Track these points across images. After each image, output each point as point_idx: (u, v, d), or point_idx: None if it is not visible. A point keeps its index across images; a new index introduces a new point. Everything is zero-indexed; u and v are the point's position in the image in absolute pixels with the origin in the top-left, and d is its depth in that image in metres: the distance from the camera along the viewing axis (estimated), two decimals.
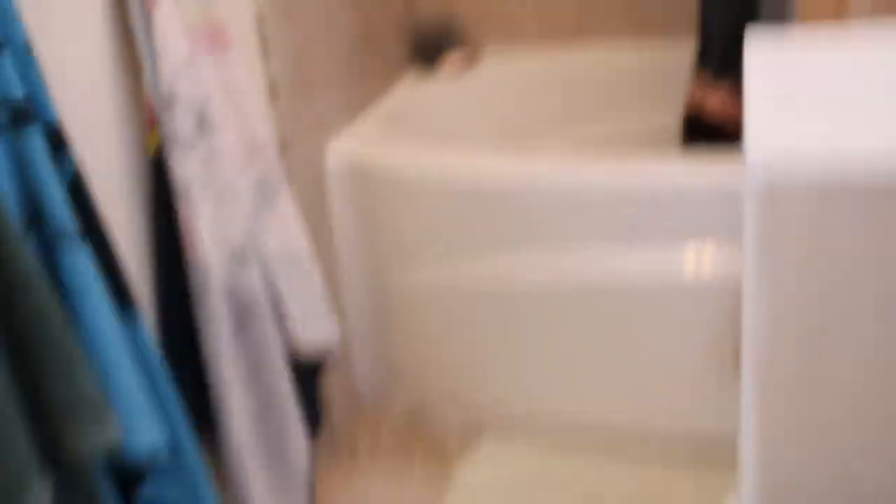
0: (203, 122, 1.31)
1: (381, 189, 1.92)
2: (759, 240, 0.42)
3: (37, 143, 1.01)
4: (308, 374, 1.57)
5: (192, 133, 1.30)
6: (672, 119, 2.08)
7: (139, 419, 1.09)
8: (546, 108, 2.45)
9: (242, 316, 1.38)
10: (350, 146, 1.96)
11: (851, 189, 0.39)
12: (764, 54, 0.50)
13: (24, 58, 1.02)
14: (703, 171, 1.69)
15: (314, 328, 1.52)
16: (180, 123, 1.28)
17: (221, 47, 1.38)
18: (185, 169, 1.29)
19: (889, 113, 0.44)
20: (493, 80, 2.46)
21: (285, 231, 1.48)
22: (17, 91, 0.99)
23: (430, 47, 2.47)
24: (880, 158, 0.37)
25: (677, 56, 2.15)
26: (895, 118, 0.43)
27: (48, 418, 0.97)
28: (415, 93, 2.34)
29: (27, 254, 0.94)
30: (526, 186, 1.78)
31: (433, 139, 2.05)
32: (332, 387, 1.79)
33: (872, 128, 0.42)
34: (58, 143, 1.06)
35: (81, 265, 1.04)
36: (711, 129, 1.93)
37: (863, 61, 0.49)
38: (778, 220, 0.41)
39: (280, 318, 1.46)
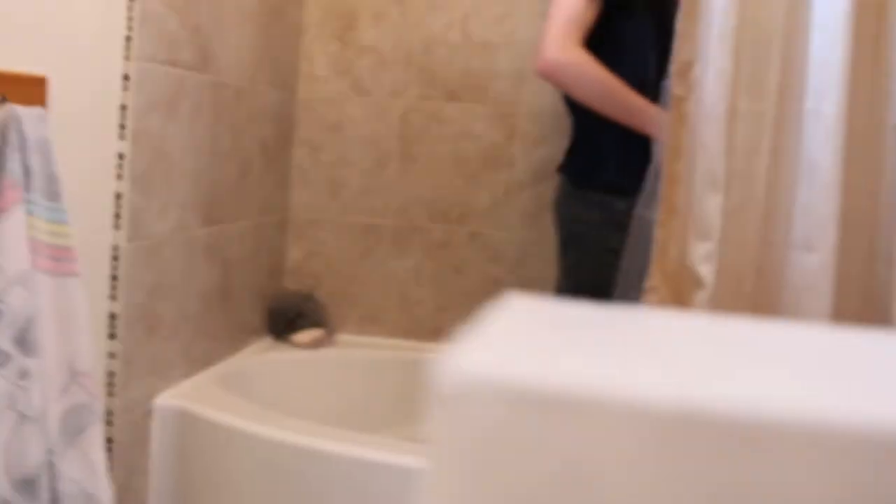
0: (22, 341, 1.27)
1: (201, 443, 1.85)
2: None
3: None
4: None
5: (7, 349, 1.24)
6: None
7: None
8: (385, 402, 2.44)
9: None
10: (181, 398, 1.91)
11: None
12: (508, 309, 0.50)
13: None
14: None
15: None
16: None
17: (64, 270, 1.36)
18: None
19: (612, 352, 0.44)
20: (342, 363, 2.47)
21: (86, 468, 1.39)
22: None
23: (285, 319, 2.48)
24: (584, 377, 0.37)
25: None
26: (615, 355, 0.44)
27: None
28: (261, 360, 2.33)
29: None
30: (324, 462, 1.73)
31: (265, 406, 2.00)
32: None
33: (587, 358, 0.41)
34: None
35: None
36: None
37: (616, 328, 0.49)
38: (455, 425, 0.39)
39: None
